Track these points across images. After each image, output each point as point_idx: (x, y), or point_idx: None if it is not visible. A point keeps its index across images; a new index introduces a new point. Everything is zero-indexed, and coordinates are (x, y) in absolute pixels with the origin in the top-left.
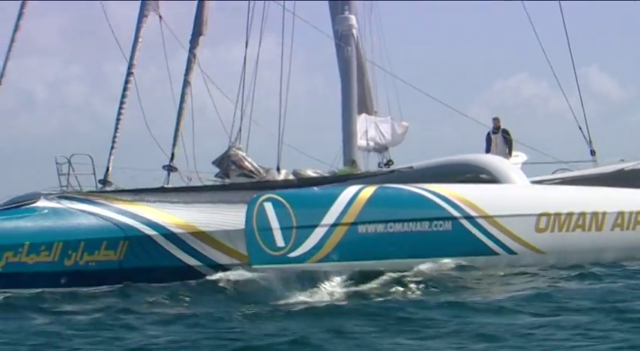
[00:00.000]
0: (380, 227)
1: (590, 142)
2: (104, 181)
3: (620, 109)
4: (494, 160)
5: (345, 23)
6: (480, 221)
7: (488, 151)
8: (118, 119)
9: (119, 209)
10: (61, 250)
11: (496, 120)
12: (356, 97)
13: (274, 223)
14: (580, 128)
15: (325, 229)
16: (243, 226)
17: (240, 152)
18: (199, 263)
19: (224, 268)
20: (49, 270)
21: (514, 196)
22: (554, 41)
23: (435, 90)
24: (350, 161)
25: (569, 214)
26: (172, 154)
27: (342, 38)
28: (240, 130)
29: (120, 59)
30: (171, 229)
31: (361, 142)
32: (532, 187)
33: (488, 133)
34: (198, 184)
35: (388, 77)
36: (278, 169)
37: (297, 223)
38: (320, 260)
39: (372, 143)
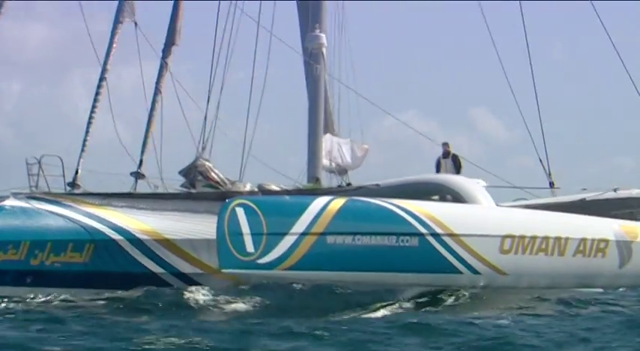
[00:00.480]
0: (348, 239)
1: (550, 174)
2: (73, 184)
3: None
4: (461, 181)
5: (315, 41)
6: (446, 239)
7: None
8: (89, 123)
9: (86, 212)
10: (28, 250)
11: (445, 145)
12: (323, 116)
13: (245, 229)
14: (540, 160)
15: (295, 237)
16: (207, 236)
17: (208, 163)
18: (163, 271)
19: (186, 277)
20: (16, 268)
21: (480, 216)
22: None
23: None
24: (314, 179)
25: (533, 238)
26: (140, 161)
27: (312, 56)
28: (207, 140)
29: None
30: (137, 234)
31: (325, 161)
32: (498, 208)
33: (438, 159)
34: (165, 191)
35: (352, 99)
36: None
37: (268, 230)
38: (287, 268)
39: (334, 164)
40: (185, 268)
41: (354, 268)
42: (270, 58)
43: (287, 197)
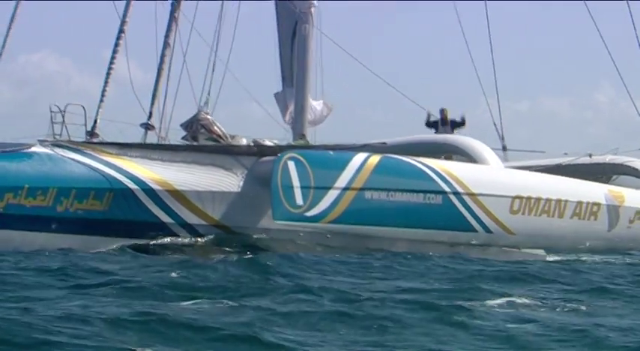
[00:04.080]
0: (383, 195)
1: (503, 138)
2: (92, 133)
3: None
4: (470, 142)
5: (305, 1)
6: (466, 198)
7: None
8: (108, 73)
9: (105, 161)
10: (55, 196)
11: (443, 111)
12: (310, 75)
13: (295, 182)
14: (495, 124)
15: (337, 192)
16: (212, 188)
17: (210, 117)
18: (172, 221)
19: (192, 227)
20: (43, 214)
21: (493, 177)
22: None
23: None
24: (300, 135)
25: (538, 199)
26: (150, 113)
27: (301, 16)
28: (209, 94)
29: None
30: (151, 184)
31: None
32: (506, 170)
33: (430, 124)
34: (175, 143)
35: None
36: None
37: (315, 184)
38: (331, 221)
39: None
40: (191, 219)
41: (388, 223)
42: None
43: (331, 152)
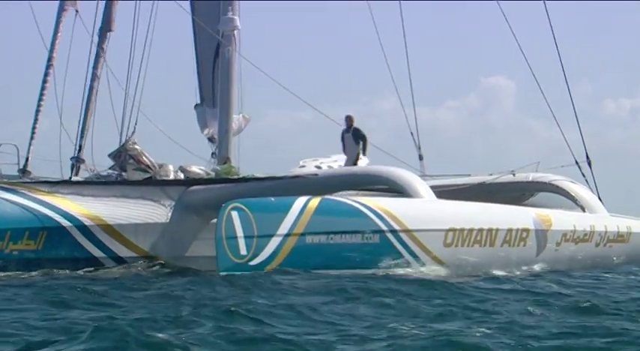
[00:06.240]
0: (323, 238)
1: (420, 148)
2: (24, 171)
3: None
4: (403, 173)
5: (229, 24)
6: (402, 235)
7: (344, 150)
8: (37, 110)
9: (39, 200)
10: None
11: (348, 118)
12: (235, 97)
13: (239, 232)
14: (412, 133)
15: (280, 238)
16: (143, 221)
17: (137, 147)
18: (103, 255)
19: (122, 260)
20: None
21: (427, 210)
22: None
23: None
24: (224, 159)
25: (470, 230)
26: (80, 146)
27: (224, 38)
28: (136, 124)
29: None
30: (83, 220)
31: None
32: (439, 201)
33: (343, 132)
34: (104, 175)
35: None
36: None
37: (258, 233)
38: (274, 269)
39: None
40: (122, 251)
41: (328, 266)
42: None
43: (273, 199)
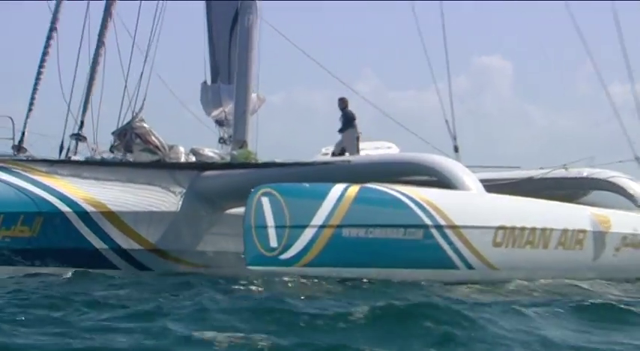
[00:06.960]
0: (362, 232)
1: (455, 138)
2: (19, 147)
3: None
4: (449, 163)
5: None
6: (447, 231)
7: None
8: (37, 79)
9: (35, 180)
10: None
11: (340, 101)
12: (253, 74)
13: (270, 221)
14: (447, 121)
15: (314, 230)
16: (148, 209)
17: (146, 125)
18: (105, 246)
19: (126, 253)
20: None
21: (475, 205)
22: None
23: None
24: (240, 142)
25: (522, 229)
26: (82, 122)
27: (244, 4)
28: (144, 99)
29: None
30: (84, 206)
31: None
32: (488, 195)
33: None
34: (108, 158)
35: None
36: None
37: (290, 223)
38: (306, 265)
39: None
40: (124, 243)
41: (365, 264)
42: None
43: (307, 185)
